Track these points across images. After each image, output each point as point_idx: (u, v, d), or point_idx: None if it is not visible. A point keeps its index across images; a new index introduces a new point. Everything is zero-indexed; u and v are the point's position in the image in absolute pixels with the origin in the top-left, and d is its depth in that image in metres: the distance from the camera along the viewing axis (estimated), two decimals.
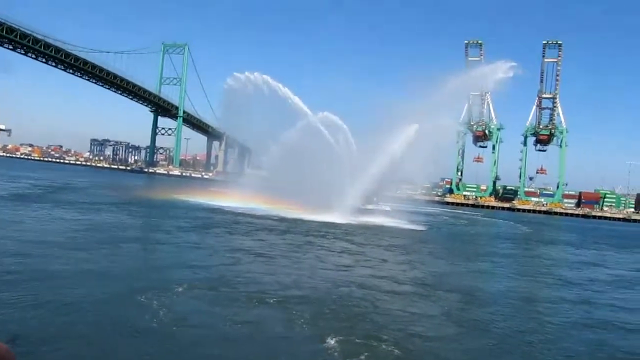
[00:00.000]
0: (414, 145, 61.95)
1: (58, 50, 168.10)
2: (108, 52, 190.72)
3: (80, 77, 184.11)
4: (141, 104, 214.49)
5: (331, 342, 15.28)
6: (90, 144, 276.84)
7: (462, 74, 78.35)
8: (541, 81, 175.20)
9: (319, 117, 68.34)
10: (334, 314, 18.39)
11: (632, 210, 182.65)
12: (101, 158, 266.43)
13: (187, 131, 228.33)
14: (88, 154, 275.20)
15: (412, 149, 61.93)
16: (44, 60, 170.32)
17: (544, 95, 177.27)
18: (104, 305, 16.93)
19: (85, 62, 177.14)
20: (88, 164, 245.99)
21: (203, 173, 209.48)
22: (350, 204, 60.65)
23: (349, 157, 65.31)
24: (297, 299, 19.94)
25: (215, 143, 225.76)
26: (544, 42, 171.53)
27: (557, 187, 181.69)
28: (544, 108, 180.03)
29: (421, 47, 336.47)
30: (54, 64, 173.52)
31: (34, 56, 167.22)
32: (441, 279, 27.78)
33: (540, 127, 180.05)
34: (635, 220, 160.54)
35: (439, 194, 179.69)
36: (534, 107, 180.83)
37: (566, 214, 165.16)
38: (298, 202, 59.02)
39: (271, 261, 28.57)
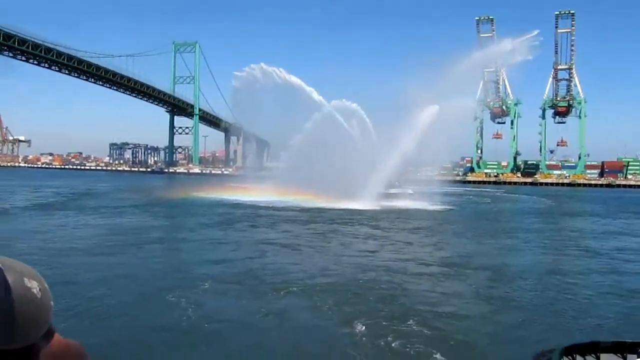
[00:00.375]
0: (434, 127, 62.20)
1: (70, 57, 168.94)
2: (119, 56, 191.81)
3: (94, 82, 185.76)
4: (157, 104, 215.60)
5: (359, 326, 15.31)
6: (110, 148, 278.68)
7: (476, 52, 78.46)
8: (556, 52, 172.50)
9: (333, 105, 68.90)
10: (360, 299, 18.43)
11: None
12: (121, 162, 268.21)
13: (204, 129, 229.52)
14: (108, 158, 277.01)
15: (433, 130, 62.17)
16: (57, 68, 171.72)
17: (559, 67, 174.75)
18: (132, 307, 17.09)
19: (98, 68, 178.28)
20: (108, 168, 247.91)
21: (223, 169, 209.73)
22: (375, 190, 61.04)
23: (368, 142, 65.73)
24: (323, 286, 20.05)
25: (233, 138, 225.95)
26: (556, 12, 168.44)
27: (579, 158, 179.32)
28: (561, 79, 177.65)
29: (431, 28, 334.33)
30: (67, 71, 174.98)
31: (46, 65, 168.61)
32: (468, 258, 27.69)
33: (558, 99, 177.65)
34: None
35: (460, 173, 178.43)
36: (550, 79, 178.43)
37: (590, 185, 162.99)
38: (320, 192, 59.43)
39: (296, 251, 28.71)
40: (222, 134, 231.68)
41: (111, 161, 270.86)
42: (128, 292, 18.69)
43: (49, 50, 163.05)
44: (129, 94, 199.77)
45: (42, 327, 1.56)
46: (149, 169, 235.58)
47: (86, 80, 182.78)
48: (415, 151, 63.70)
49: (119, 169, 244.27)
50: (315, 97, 71.49)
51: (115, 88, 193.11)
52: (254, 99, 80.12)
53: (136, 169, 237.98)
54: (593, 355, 10.37)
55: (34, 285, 1.55)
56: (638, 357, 9.38)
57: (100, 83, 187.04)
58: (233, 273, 22.27)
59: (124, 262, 24.31)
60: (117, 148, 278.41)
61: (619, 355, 10.40)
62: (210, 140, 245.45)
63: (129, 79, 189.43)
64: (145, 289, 19.26)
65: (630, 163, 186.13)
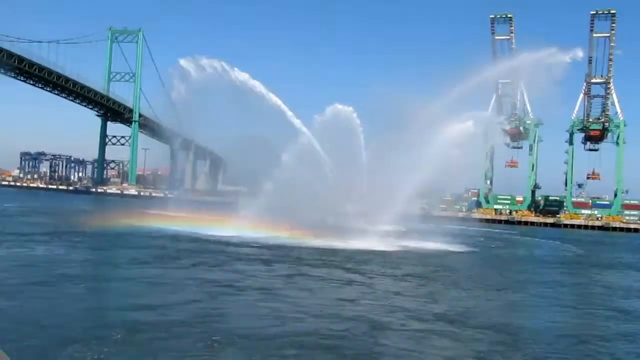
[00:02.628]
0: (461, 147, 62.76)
1: None
2: (39, 42, 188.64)
3: (2, 73, 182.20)
4: (85, 106, 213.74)
5: None
6: (21, 159, 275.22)
7: (490, 64, 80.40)
8: (589, 62, 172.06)
9: (330, 111, 69.96)
10: (327, 357, 18.29)
11: None
12: (35, 176, 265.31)
13: (144, 139, 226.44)
14: (18, 171, 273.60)
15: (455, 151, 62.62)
16: None
17: (593, 80, 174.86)
18: None
19: (10, 55, 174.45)
20: (18, 184, 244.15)
21: (167, 192, 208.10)
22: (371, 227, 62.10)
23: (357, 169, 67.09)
24: (279, 339, 20.03)
25: (182, 153, 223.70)
26: (592, 12, 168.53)
27: (615, 195, 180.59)
28: (594, 96, 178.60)
29: (437, 27, 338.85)
30: None
31: None
32: (470, 314, 27.62)
33: (590, 120, 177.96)
34: None
35: (463, 209, 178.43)
36: (581, 95, 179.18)
37: (628, 230, 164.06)
38: (296, 225, 61.92)
39: (254, 296, 28.60)
40: (168, 147, 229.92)
41: (22, 175, 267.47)
42: (25, 343, 18.24)
43: None
44: (50, 91, 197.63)
45: None
46: (71, 188, 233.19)
47: None
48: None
49: (32, 185, 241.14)
50: (292, 120, 72.35)
51: (31, 82, 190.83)
52: (204, 103, 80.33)
53: (55, 187, 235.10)
54: None
55: None
56: None
57: (12, 75, 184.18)
58: (163, 321, 21.95)
59: (25, 305, 23.87)
60: (31, 159, 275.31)
61: None
62: (153, 154, 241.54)
63: (51, 72, 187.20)
64: (48, 339, 18.88)
65: None
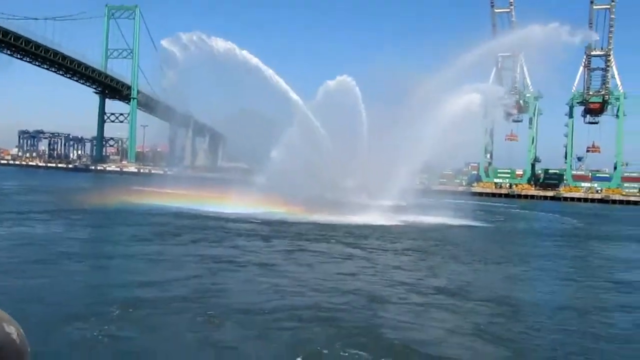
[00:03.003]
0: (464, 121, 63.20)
1: None
2: (35, 18, 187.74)
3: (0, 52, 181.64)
4: (82, 83, 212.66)
5: None
6: (19, 137, 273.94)
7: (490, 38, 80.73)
8: None
9: (337, 82, 70.00)
10: (326, 329, 18.30)
11: None
12: (34, 155, 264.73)
13: (143, 116, 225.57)
14: (16, 150, 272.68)
15: (459, 125, 62.93)
16: None
17: (593, 53, 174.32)
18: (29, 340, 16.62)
19: (6, 32, 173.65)
20: (17, 162, 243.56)
21: (166, 169, 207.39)
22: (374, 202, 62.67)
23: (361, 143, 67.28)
24: (279, 312, 20.05)
25: (181, 130, 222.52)
26: None
27: (615, 168, 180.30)
28: (594, 69, 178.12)
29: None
30: None
31: None
32: (470, 287, 27.65)
33: (590, 93, 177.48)
34: None
35: (463, 182, 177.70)
36: (581, 68, 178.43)
37: (628, 202, 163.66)
38: (298, 200, 62.52)
39: (254, 271, 28.61)
40: (167, 124, 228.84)
41: (20, 154, 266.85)
42: (26, 320, 18.19)
43: None
44: (47, 69, 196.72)
45: None
46: (70, 165, 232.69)
47: None
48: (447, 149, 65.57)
49: (31, 163, 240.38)
50: (284, 87, 71.75)
51: (28, 60, 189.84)
52: (194, 77, 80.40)
53: (54, 165, 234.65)
54: None
55: (12, 331, 1.86)
56: None
57: (9, 52, 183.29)
58: (163, 297, 21.98)
59: (25, 283, 23.83)
60: (29, 137, 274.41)
61: None
62: (152, 131, 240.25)
63: (48, 49, 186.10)
64: (49, 316, 18.86)
65: None
